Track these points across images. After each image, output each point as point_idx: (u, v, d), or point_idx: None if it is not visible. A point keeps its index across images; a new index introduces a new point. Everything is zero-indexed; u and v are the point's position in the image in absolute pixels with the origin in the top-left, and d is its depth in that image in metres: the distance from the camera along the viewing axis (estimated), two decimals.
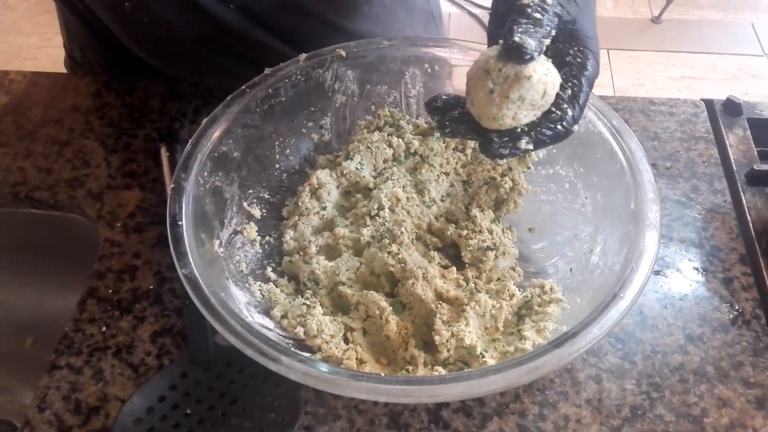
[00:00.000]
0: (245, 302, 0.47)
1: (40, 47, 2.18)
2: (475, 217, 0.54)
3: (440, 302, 0.49)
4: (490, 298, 0.49)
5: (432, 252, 0.53)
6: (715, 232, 0.59)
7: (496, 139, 0.40)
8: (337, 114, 0.61)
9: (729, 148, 0.66)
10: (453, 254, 0.54)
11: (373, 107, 0.61)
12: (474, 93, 0.40)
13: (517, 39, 0.37)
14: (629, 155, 0.50)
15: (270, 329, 0.47)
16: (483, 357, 0.45)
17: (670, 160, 0.64)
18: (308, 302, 0.48)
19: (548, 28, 0.38)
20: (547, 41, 0.38)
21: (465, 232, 0.53)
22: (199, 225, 0.48)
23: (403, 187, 0.56)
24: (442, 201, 0.57)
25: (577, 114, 0.41)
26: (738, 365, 0.50)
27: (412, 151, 0.58)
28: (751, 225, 0.60)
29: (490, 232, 0.54)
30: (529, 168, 0.57)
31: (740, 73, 2.07)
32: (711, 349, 0.51)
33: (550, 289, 0.50)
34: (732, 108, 0.68)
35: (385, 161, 0.58)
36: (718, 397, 0.48)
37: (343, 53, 0.59)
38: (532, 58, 0.38)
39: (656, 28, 2.27)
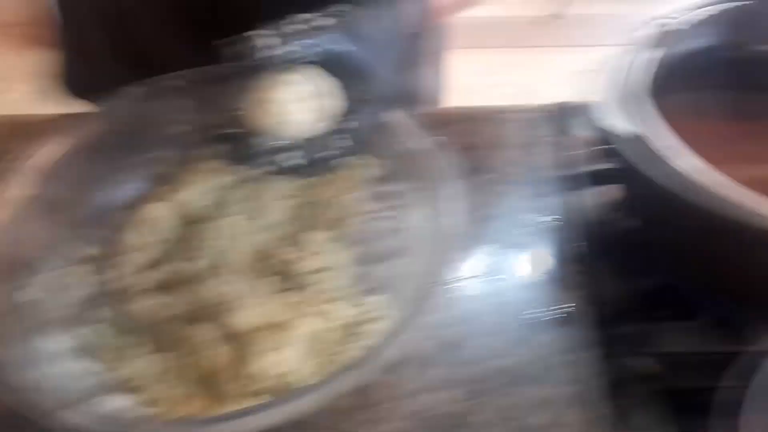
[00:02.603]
0: (60, 348, 0.47)
1: None
2: (310, 239, 0.55)
3: (265, 330, 0.49)
4: (320, 320, 0.50)
5: (265, 278, 0.54)
6: (551, 234, 0.61)
7: (267, 151, 0.41)
8: (175, 145, 0.61)
9: (569, 150, 0.69)
10: (287, 278, 0.55)
11: (210, 136, 0.62)
12: (249, 107, 0.41)
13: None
14: (437, 171, 0.51)
15: (90, 373, 0.47)
16: (305, 382, 0.46)
17: (512, 166, 0.67)
18: (131, 341, 0.48)
19: (306, 43, 0.39)
20: (304, 54, 0.40)
21: (298, 254, 0.54)
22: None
23: (239, 214, 0.57)
24: (279, 225, 0.57)
25: (354, 135, 0.42)
26: (562, 364, 0.52)
27: (248, 178, 0.59)
28: (586, 225, 0.62)
29: (324, 253, 0.55)
30: (370, 185, 0.59)
31: None
32: (539, 347, 0.53)
33: (380, 307, 0.52)
34: (571, 110, 0.71)
35: (222, 189, 0.58)
36: (541, 398, 0.50)
37: (182, 83, 0.59)
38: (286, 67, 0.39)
39: (557, 24, 2.33)
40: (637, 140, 0.52)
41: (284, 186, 0.59)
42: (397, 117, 0.56)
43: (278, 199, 0.58)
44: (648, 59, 0.57)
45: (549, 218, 0.62)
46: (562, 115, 0.71)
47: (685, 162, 0.49)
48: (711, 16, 0.59)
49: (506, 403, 0.50)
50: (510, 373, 0.52)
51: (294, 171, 0.42)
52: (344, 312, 0.51)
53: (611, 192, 0.65)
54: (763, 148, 0.61)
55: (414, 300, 0.49)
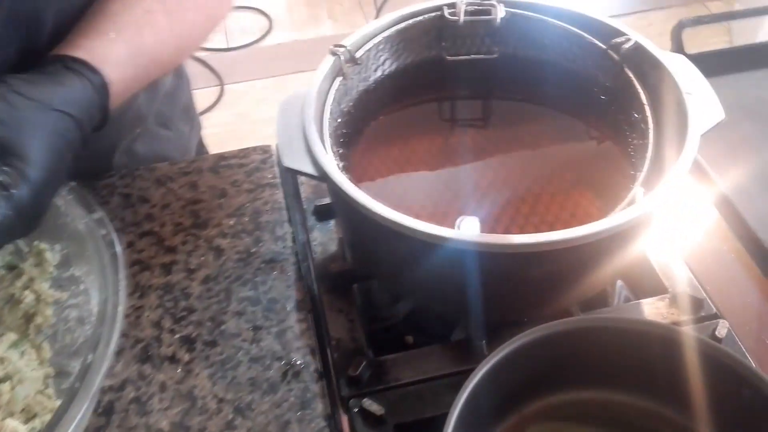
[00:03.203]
0: None
1: None
2: None
3: None
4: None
5: None
6: (274, 283, 0.58)
7: None
8: None
9: (300, 187, 0.67)
10: None
11: None
12: None
13: None
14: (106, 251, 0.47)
15: None
16: None
17: (236, 216, 0.63)
18: None
19: None
20: None
21: None
22: None
23: None
24: None
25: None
26: (285, 425, 0.49)
27: None
28: (312, 265, 0.60)
29: (2, 361, 0.48)
30: (51, 273, 0.53)
31: None
32: (260, 415, 0.50)
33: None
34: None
35: None
36: None
37: None
38: None
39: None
40: (324, 177, 0.50)
41: None
42: (76, 192, 0.51)
43: None
44: (328, 90, 0.56)
45: (278, 263, 0.59)
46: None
47: (361, 194, 0.47)
48: (385, 38, 0.59)
49: None
50: None
51: None
52: (29, 425, 0.45)
53: (335, 227, 0.63)
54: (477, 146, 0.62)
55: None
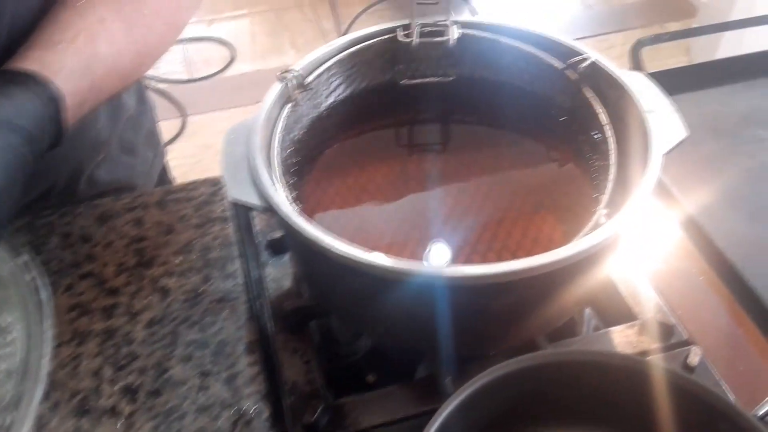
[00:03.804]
0: None
1: None
2: None
3: None
4: None
5: None
6: (223, 324, 0.54)
7: None
8: None
9: (252, 221, 0.64)
10: None
11: None
12: None
13: None
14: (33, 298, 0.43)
15: None
16: None
17: (184, 253, 0.59)
18: None
19: None
20: None
21: None
22: None
23: None
24: None
25: None
26: None
27: None
28: (266, 303, 0.57)
29: None
30: None
31: None
32: None
33: None
34: None
35: None
36: None
37: None
38: None
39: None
40: (271, 209, 0.47)
41: None
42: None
43: None
44: (277, 117, 0.53)
45: (228, 302, 0.56)
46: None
47: (310, 226, 0.44)
48: (337, 62, 0.57)
49: None
50: None
51: None
52: None
53: (290, 261, 0.60)
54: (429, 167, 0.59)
55: None
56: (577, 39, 0.56)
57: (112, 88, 0.56)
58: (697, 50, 2.02)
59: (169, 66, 2.31)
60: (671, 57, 2.00)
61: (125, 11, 0.55)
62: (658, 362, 0.41)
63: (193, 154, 2.02)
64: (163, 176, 0.83)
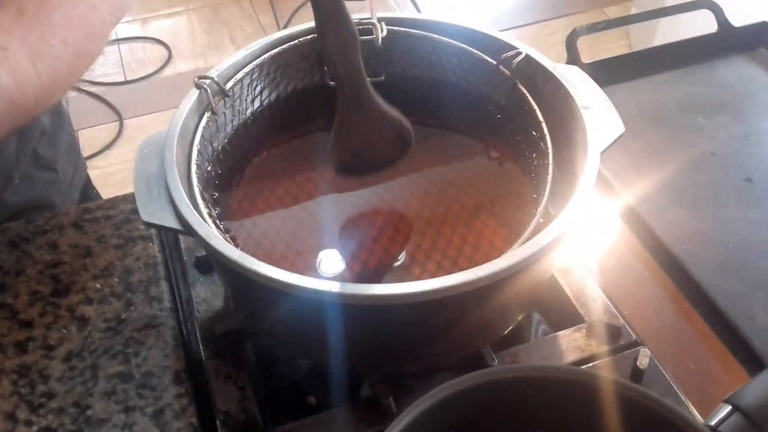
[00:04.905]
0: None
1: None
2: None
3: None
4: None
5: None
6: (149, 353, 0.51)
7: None
8: None
9: (179, 237, 0.60)
10: None
11: None
12: None
13: None
14: None
15: None
16: None
17: (103, 277, 0.55)
18: None
19: None
20: None
21: None
22: None
23: None
24: None
25: None
26: None
27: None
28: (196, 327, 0.53)
29: None
30: None
31: None
32: None
33: None
34: None
35: None
36: None
37: None
38: None
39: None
40: (189, 231, 0.43)
41: None
42: None
43: None
44: (195, 128, 0.50)
45: (153, 329, 0.52)
46: None
47: (227, 245, 0.41)
48: (258, 66, 0.53)
49: None
50: None
51: None
52: None
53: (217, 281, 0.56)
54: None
55: None
56: (520, 27, 0.54)
57: (18, 121, 0.51)
58: (635, 35, 2.04)
59: (104, 68, 2.22)
60: (611, 42, 2.02)
61: (30, 40, 0.50)
62: (597, 373, 0.40)
63: (132, 159, 1.93)
64: (87, 192, 0.78)
